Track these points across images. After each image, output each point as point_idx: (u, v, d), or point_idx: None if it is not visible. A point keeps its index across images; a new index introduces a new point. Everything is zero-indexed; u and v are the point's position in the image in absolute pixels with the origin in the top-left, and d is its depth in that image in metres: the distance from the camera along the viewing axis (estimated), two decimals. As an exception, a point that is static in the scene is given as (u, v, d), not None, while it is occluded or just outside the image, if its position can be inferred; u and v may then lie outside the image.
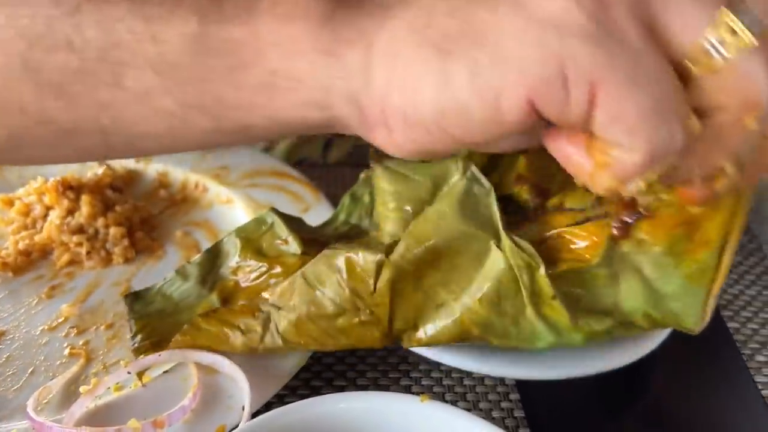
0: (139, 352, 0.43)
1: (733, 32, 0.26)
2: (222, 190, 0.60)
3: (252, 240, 0.46)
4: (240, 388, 0.41)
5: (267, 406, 0.41)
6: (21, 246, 0.54)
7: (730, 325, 0.53)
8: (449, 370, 0.48)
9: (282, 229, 0.45)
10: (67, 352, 0.46)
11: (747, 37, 0.26)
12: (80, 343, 0.47)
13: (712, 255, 0.39)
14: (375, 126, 0.31)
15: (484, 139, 0.29)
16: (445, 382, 0.47)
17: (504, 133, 0.29)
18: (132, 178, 0.62)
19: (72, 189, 0.56)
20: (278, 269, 0.44)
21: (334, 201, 0.52)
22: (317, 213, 0.55)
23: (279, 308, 0.42)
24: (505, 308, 0.39)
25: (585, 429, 0.45)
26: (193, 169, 0.62)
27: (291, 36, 0.30)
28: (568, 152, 0.29)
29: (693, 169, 0.29)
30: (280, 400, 0.44)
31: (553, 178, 0.56)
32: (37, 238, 0.54)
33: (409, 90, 0.28)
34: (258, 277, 0.45)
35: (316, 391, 0.46)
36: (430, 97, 0.28)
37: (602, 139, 0.27)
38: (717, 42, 0.26)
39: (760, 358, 0.50)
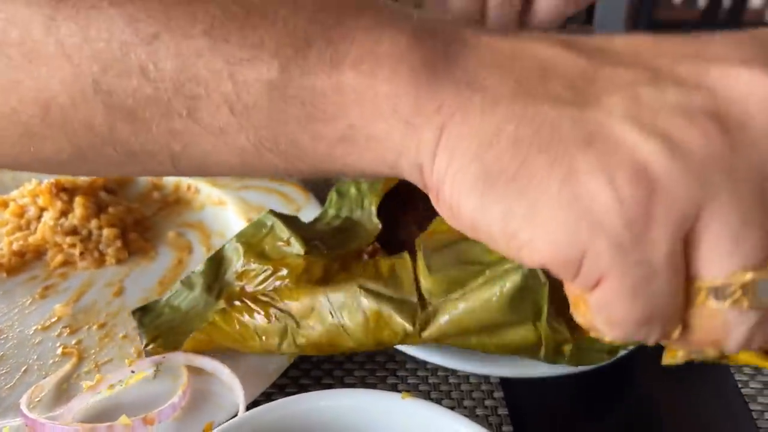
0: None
1: (744, 290, 0.25)
2: (214, 192, 0.61)
3: (253, 244, 0.46)
4: (231, 388, 0.42)
5: (255, 404, 0.42)
6: (15, 247, 0.55)
7: (712, 324, 0.54)
8: (435, 369, 0.49)
9: (283, 231, 0.45)
10: (59, 351, 0.47)
11: (748, 298, 0.25)
12: (73, 342, 0.48)
13: None
14: (432, 196, 0.31)
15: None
16: (430, 380, 0.48)
17: None
18: (125, 179, 0.63)
19: (66, 191, 0.57)
20: (284, 271, 0.44)
21: (324, 201, 0.53)
22: (308, 213, 0.56)
23: (297, 323, 0.43)
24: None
25: (568, 426, 0.46)
26: (186, 171, 0.63)
27: (374, 97, 0.30)
28: (569, 289, 0.29)
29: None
30: (268, 398, 0.45)
31: None
32: (31, 239, 0.55)
33: (456, 191, 0.28)
34: (263, 281, 0.45)
35: (304, 389, 0.46)
36: (468, 211, 0.28)
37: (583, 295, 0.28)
38: (721, 292, 0.25)
39: (741, 357, 0.51)
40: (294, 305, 0.43)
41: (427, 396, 0.47)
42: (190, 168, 0.35)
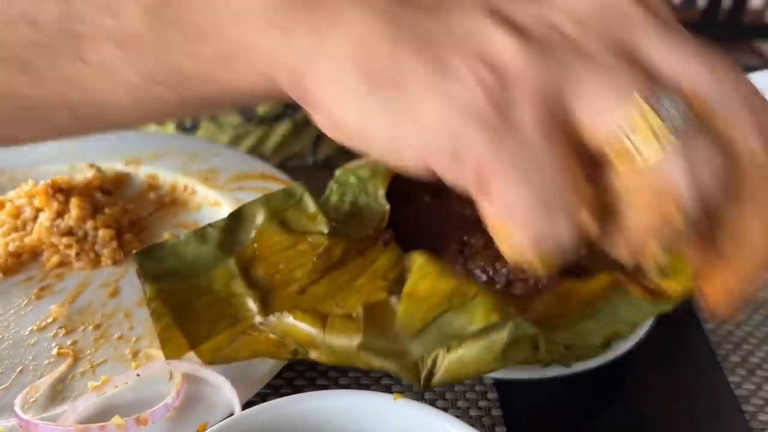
0: (156, 318, 0.43)
1: (650, 125, 0.24)
2: (210, 193, 0.61)
3: (279, 211, 0.45)
4: (224, 389, 0.42)
5: (249, 405, 0.42)
6: (11, 247, 0.55)
7: (706, 326, 0.54)
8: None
9: (311, 205, 0.45)
10: (55, 351, 0.47)
11: (662, 130, 0.24)
12: (68, 342, 0.48)
13: None
14: (310, 108, 0.31)
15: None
16: (425, 382, 0.48)
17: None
18: (121, 180, 0.63)
19: (62, 191, 0.57)
20: (303, 245, 0.43)
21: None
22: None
23: (306, 351, 0.42)
24: None
25: (562, 428, 0.46)
26: (182, 171, 0.63)
27: (246, 5, 0.30)
28: (483, 203, 0.28)
29: (617, 251, 0.29)
30: (263, 399, 0.45)
31: None
32: (27, 239, 0.55)
33: (338, 100, 0.29)
34: (280, 250, 0.44)
35: (298, 390, 0.47)
36: (352, 119, 0.29)
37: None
38: (630, 136, 0.25)
39: (734, 359, 0.51)
40: (295, 331, 0.41)
41: (420, 397, 0.47)
42: (90, 118, 0.35)
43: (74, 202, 0.55)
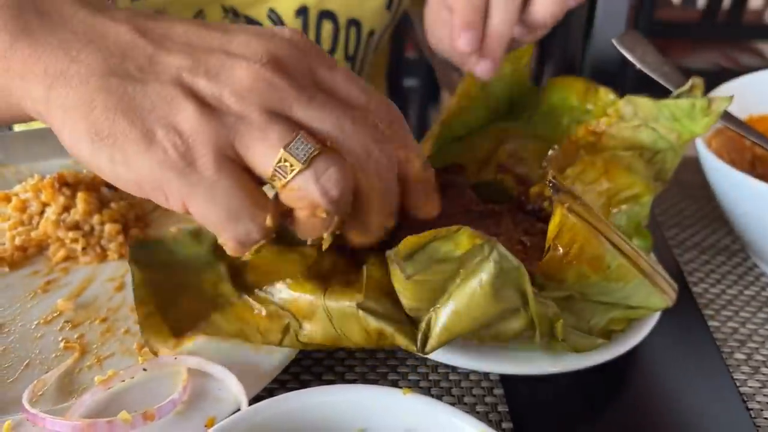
0: (139, 303, 0.45)
1: (289, 162, 0.37)
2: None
3: None
4: (231, 384, 0.42)
5: (256, 400, 0.42)
6: (17, 241, 0.55)
7: (711, 323, 0.54)
8: (435, 366, 0.49)
9: None
10: (61, 345, 0.47)
11: (295, 164, 0.37)
12: (75, 336, 0.48)
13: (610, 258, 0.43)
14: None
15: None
16: (431, 377, 0.48)
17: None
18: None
19: (68, 186, 0.57)
20: (294, 256, 0.45)
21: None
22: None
23: (299, 323, 0.43)
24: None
25: (568, 423, 0.47)
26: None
27: None
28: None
29: (303, 237, 0.41)
30: (270, 394, 0.45)
31: (531, 167, 0.58)
32: (33, 234, 0.55)
33: (73, 142, 0.39)
34: (271, 260, 0.45)
35: (305, 386, 0.47)
36: (85, 157, 0.39)
37: None
38: (280, 169, 0.38)
39: (739, 356, 0.51)
40: (294, 305, 0.43)
41: (428, 393, 0.47)
42: None
43: (80, 196, 0.55)
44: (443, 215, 0.48)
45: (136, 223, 0.58)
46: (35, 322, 0.49)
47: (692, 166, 0.67)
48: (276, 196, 0.40)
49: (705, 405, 0.48)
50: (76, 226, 0.55)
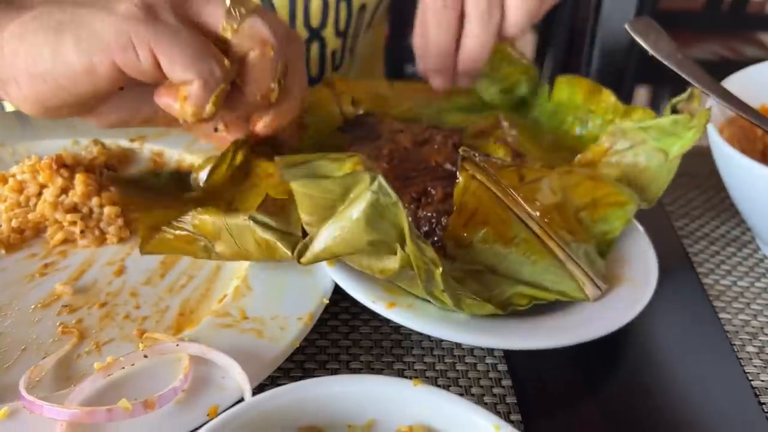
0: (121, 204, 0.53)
1: (238, 10, 0.46)
2: (217, 172, 0.60)
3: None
4: (233, 373, 0.41)
5: (260, 389, 0.41)
6: (14, 223, 0.53)
7: (722, 316, 0.53)
8: (442, 355, 0.48)
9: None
10: (59, 330, 0.46)
11: (246, 7, 0.46)
12: (73, 321, 0.47)
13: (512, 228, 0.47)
14: (7, 83, 0.46)
15: (87, 90, 0.45)
16: (438, 367, 0.47)
17: (103, 86, 0.45)
18: (127, 157, 0.62)
19: (66, 167, 0.55)
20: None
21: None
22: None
23: (212, 243, 0.47)
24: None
25: (577, 414, 0.46)
26: (187, 149, 0.62)
27: None
28: (165, 101, 0.46)
29: (253, 94, 0.48)
30: (273, 382, 0.44)
31: (526, 150, 0.58)
32: (30, 216, 0.54)
33: (31, 54, 0.44)
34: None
35: (310, 374, 0.46)
36: (46, 56, 0.44)
37: (176, 81, 0.45)
38: (230, 17, 0.46)
39: (750, 349, 0.50)
40: (203, 228, 0.48)
41: (434, 383, 0.46)
42: None
43: (79, 178, 0.54)
44: (412, 162, 0.55)
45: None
46: (32, 307, 0.48)
47: (701, 156, 0.66)
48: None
49: (716, 398, 0.47)
50: (74, 209, 0.53)
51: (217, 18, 0.46)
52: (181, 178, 0.58)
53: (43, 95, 0.46)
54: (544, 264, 0.47)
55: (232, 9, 0.45)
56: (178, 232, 0.48)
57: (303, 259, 0.42)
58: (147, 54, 0.43)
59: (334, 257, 0.42)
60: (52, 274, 0.51)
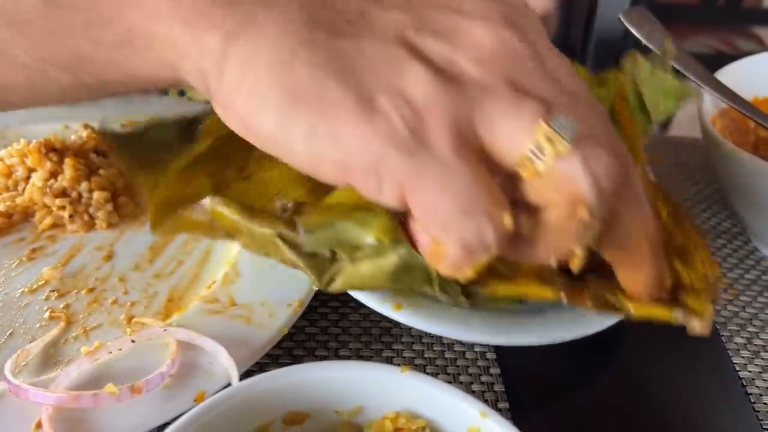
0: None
1: (550, 140, 0.29)
2: (208, 158, 0.60)
3: None
4: (220, 358, 0.41)
5: (248, 374, 0.41)
6: (2, 207, 0.53)
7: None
8: (431, 343, 0.48)
9: None
10: (47, 315, 0.46)
11: (562, 144, 0.29)
12: (60, 306, 0.46)
13: None
14: (217, 105, 0.32)
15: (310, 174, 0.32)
16: (426, 355, 0.47)
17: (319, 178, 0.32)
18: (117, 142, 0.61)
19: (55, 151, 0.55)
20: None
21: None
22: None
23: (232, 236, 0.43)
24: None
25: (564, 403, 0.46)
26: (179, 135, 0.62)
27: None
28: (417, 236, 0.33)
29: (544, 255, 0.33)
30: (261, 368, 0.44)
31: None
32: (18, 200, 0.53)
33: (254, 107, 0.30)
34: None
35: (298, 360, 0.46)
36: (269, 127, 0.30)
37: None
38: (537, 150, 0.29)
39: (738, 340, 0.51)
40: (225, 219, 0.42)
41: (423, 370, 0.46)
42: None
43: (68, 162, 0.54)
44: None
45: (125, 191, 0.56)
46: (20, 291, 0.47)
47: (692, 147, 0.66)
48: None
49: (704, 388, 0.47)
50: (63, 193, 0.53)
51: (515, 144, 0.30)
52: (189, 127, 0.50)
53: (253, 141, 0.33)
54: None
55: (543, 140, 0.29)
56: (194, 216, 0.44)
57: (330, 289, 0.39)
58: (395, 193, 0.30)
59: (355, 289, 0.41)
60: (41, 258, 0.51)
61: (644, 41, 0.56)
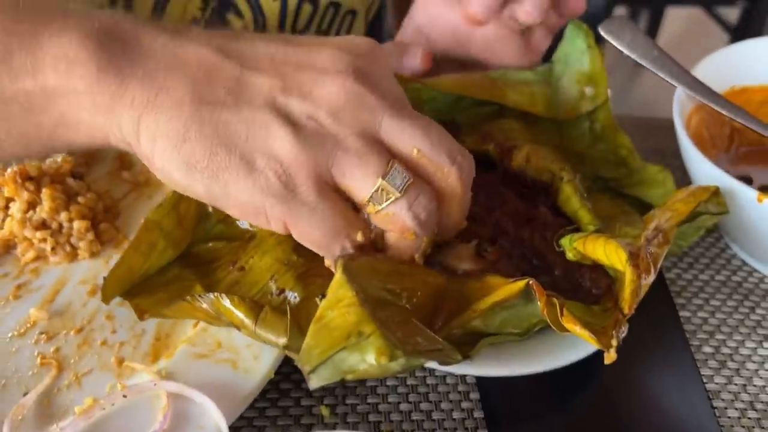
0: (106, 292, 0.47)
1: (385, 191, 0.40)
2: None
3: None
4: (211, 410, 0.43)
5: (240, 419, 0.43)
6: (-17, 241, 0.53)
7: (682, 314, 0.55)
8: (413, 371, 0.49)
9: None
10: (38, 361, 0.47)
11: (393, 194, 0.40)
12: (51, 350, 0.47)
13: None
14: (143, 160, 0.42)
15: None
16: (409, 382, 0.49)
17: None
18: (93, 157, 0.61)
19: (32, 180, 0.54)
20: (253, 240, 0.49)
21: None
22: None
23: (237, 328, 0.45)
24: None
25: (541, 428, 0.48)
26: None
27: (74, 92, 0.40)
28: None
29: (398, 257, 0.43)
30: (249, 423, 0.46)
31: (515, 137, 0.57)
32: (-1, 233, 0.54)
33: (165, 168, 0.40)
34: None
35: (285, 412, 0.47)
36: (178, 182, 0.41)
37: None
38: (377, 196, 0.41)
39: (707, 349, 0.53)
40: (233, 316, 0.44)
41: (405, 398, 0.48)
42: None
43: (46, 192, 0.53)
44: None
45: (105, 215, 0.56)
46: (9, 335, 0.48)
47: (668, 130, 0.66)
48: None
49: (672, 403, 0.49)
50: (43, 224, 0.53)
51: (361, 191, 0.40)
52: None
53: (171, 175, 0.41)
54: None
55: (379, 192, 0.40)
56: (198, 304, 0.45)
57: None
58: (280, 226, 0.41)
59: None
60: (26, 296, 0.51)
61: (626, 52, 0.55)
